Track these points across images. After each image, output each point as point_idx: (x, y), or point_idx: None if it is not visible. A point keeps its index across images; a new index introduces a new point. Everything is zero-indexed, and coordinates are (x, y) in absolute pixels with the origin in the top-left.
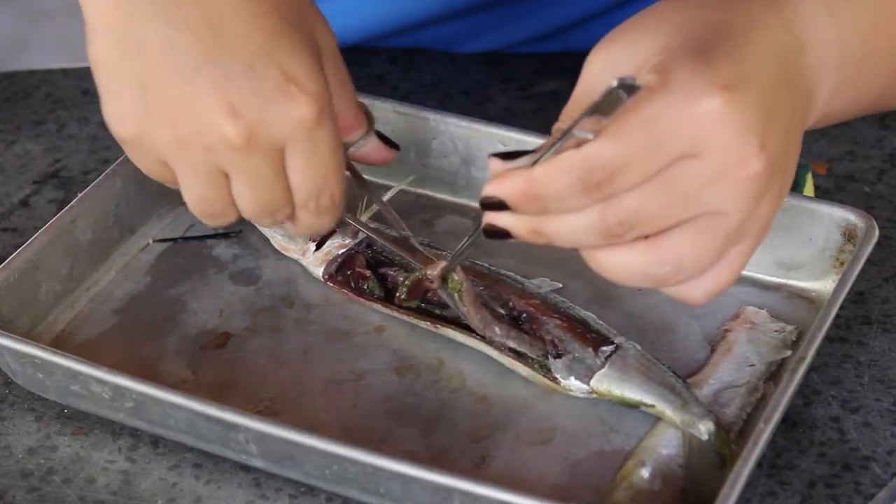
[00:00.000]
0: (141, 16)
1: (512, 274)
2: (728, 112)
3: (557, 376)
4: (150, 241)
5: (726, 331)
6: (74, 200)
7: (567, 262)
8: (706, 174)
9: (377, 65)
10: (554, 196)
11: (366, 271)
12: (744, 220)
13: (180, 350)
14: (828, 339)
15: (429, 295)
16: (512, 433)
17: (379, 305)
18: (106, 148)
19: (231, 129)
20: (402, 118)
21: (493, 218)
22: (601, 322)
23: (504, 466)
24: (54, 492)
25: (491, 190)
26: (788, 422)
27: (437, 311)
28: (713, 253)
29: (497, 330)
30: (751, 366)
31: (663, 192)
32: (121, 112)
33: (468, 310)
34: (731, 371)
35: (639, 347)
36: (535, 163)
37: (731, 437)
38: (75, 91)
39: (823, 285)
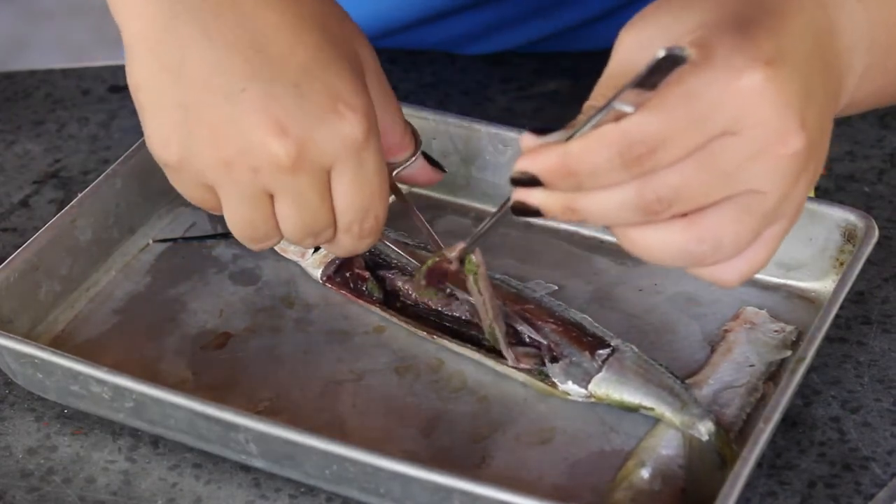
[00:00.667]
0: (181, 37)
1: (507, 278)
2: (770, 88)
3: (555, 381)
4: (150, 241)
5: (726, 331)
6: (74, 200)
7: (566, 262)
8: (746, 151)
9: None
10: (591, 171)
11: (364, 273)
12: (781, 200)
13: (180, 350)
14: (828, 339)
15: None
16: (512, 433)
17: (377, 309)
18: (106, 148)
19: (280, 148)
20: None
21: (523, 195)
22: (597, 325)
23: (504, 466)
24: (54, 492)
25: (523, 165)
26: (788, 422)
27: (434, 318)
28: (751, 233)
29: (503, 325)
30: (750, 366)
31: (703, 169)
32: (164, 135)
33: (483, 296)
34: (730, 371)
35: (636, 349)
36: (569, 138)
37: (730, 437)
38: (75, 91)
39: (823, 285)
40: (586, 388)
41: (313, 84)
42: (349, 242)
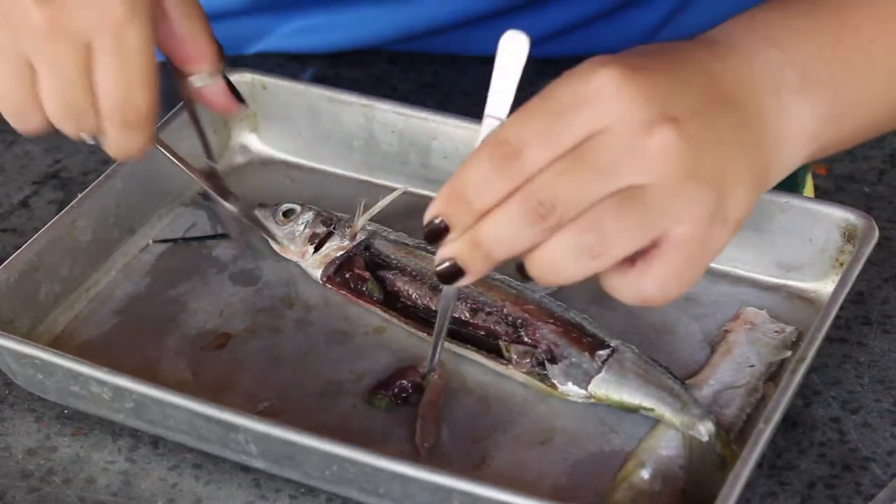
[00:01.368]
0: None
1: (507, 278)
2: (627, 84)
3: (555, 382)
4: (150, 242)
5: (726, 331)
6: (74, 201)
7: None
8: (616, 146)
9: (377, 65)
10: (473, 185)
11: (365, 273)
12: (664, 194)
13: (180, 350)
14: (828, 339)
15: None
16: (512, 433)
17: (377, 309)
18: None
19: (35, 10)
20: (402, 118)
21: (440, 253)
22: (597, 325)
23: (504, 466)
24: (54, 492)
25: (427, 215)
26: (788, 422)
27: (434, 320)
28: (636, 223)
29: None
30: (750, 366)
31: (577, 167)
32: None
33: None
34: (730, 372)
35: (635, 350)
36: None
37: (731, 437)
38: None
39: (823, 286)
40: (586, 388)
41: None
42: (113, 134)
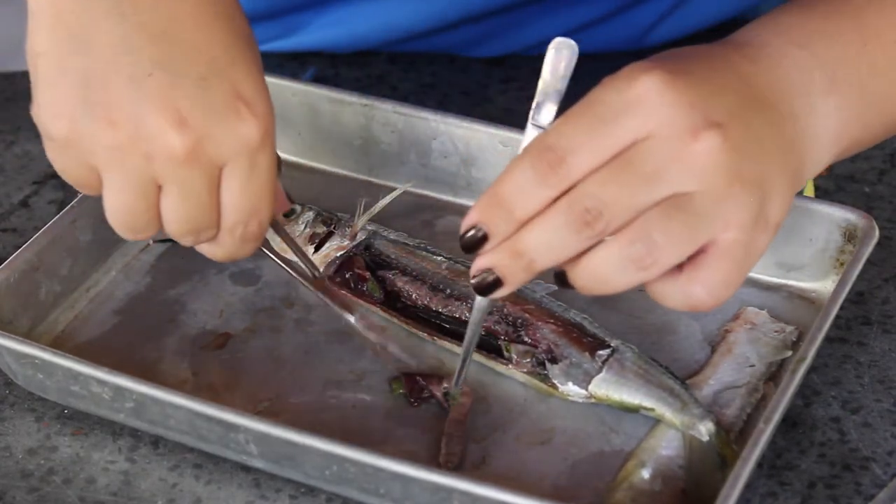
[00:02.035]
0: (94, 9)
1: None
2: (667, 87)
3: (555, 382)
4: (150, 242)
5: (726, 331)
6: (74, 201)
7: None
8: (661, 153)
9: (377, 65)
10: (516, 192)
11: (365, 273)
12: (711, 200)
13: (180, 350)
14: (828, 339)
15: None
16: (512, 434)
17: (378, 309)
18: None
19: (177, 138)
20: (402, 118)
21: (476, 264)
22: (597, 325)
23: (504, 466)
24: (54, 492)
25: (464, 224)
26: (788, 422)
27: (434, 320)
28: (684, 232)
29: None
30: (751, 366)
31: (624, 173)
32: (57, 107)
33: None
34: (731, 372)
35: (636, 350)
36: None
37: (731, 437)
38: None
39: (823, 286)
40: (586, 388)
41: (219, 80)
42: (230, 244)
